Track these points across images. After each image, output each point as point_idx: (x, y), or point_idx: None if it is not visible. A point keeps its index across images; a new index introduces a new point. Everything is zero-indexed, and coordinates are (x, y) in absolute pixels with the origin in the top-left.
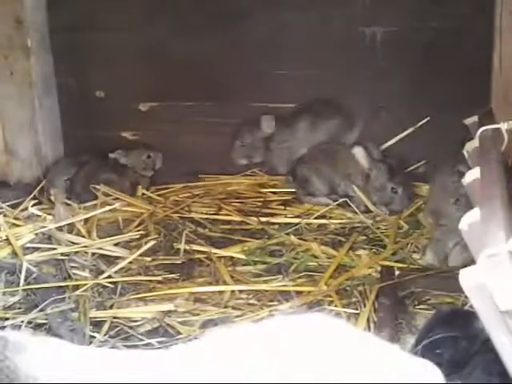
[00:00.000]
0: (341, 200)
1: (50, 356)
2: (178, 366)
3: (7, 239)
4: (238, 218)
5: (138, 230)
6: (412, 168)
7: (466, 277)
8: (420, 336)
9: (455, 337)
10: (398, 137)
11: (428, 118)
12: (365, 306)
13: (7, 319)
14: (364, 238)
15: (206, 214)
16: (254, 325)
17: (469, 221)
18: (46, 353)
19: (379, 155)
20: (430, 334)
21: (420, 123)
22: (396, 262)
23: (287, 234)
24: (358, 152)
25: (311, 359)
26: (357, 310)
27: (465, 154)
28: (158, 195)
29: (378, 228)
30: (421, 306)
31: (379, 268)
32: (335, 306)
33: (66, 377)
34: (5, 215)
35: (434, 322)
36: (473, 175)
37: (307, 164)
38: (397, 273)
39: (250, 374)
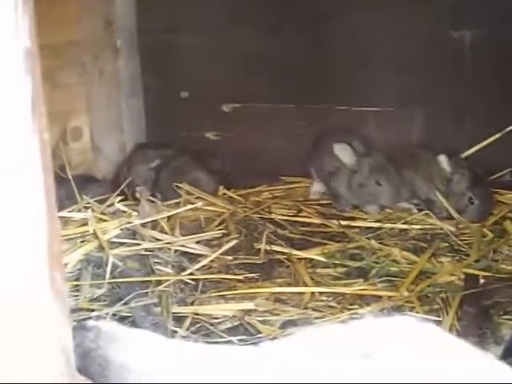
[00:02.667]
0: (423, 212)
1: (142, 346)
2: (269, 364)
3: (94, 233)
4: (317, 221)
5: (219, 229)
6: (497, 176)
7: None
8: (507, 347)
9: None
10: (483, 143)
11: None
12: (447, 313)
13: (93, 311)
14: (446, 244)
15: (286, 215)
16: (343, 325)
17: None
18: (138, 343)
19: (464, 163)
20: None
21: (506, 130)
22: (480, 269)
23: (368, 238)
24: (442, 158)
25: (404, 361)
26: (439, 317)
27: None
28: (239, 196)
29: (462, 235)
30: (506, 317)
31: (462, 276)
32: (417, 312)
33: (160, 368)
34: (93, 210)
35: None
36: None
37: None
38: (481, 281)
39: (342, 374)
